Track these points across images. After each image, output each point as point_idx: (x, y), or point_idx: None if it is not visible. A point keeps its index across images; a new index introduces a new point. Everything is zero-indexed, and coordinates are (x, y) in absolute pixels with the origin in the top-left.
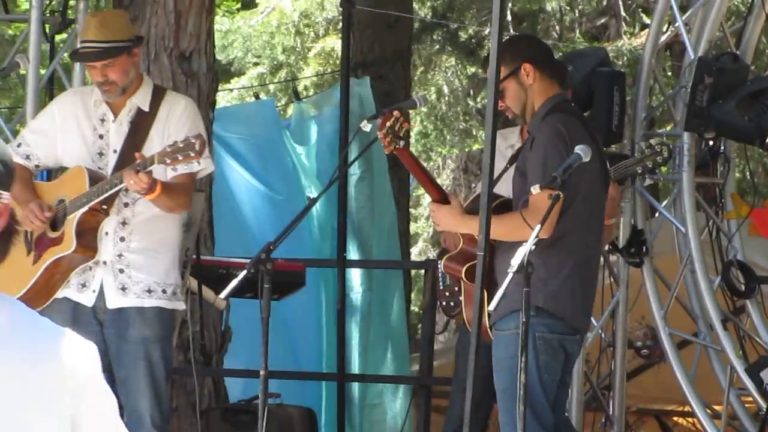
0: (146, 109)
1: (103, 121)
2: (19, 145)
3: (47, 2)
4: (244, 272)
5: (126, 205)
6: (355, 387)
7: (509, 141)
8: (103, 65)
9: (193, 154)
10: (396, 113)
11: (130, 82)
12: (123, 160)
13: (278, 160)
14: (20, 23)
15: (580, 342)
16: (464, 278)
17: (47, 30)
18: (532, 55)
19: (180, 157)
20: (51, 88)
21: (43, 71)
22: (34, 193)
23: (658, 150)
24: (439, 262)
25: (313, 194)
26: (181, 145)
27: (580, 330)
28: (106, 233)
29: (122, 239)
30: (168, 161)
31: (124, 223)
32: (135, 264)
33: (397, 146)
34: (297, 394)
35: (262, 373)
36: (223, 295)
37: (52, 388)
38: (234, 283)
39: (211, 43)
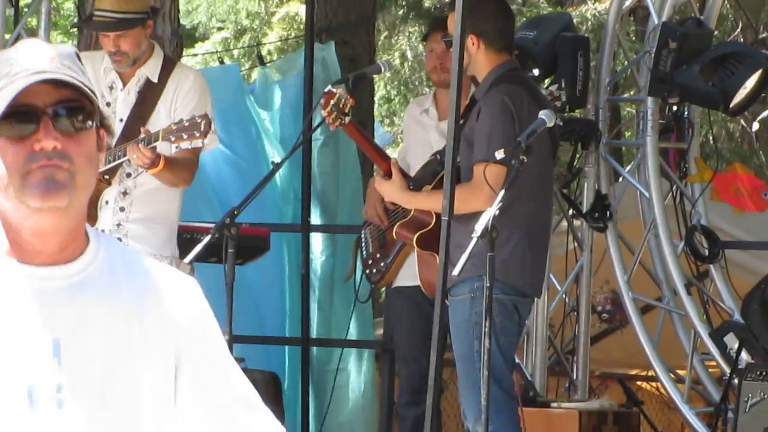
0: (155, 80)
1: (111, 88)
2: None
3: None
4: (209, 237)
5: (129, 175)
6: (319, 352)
7: (423, 106)
8: (116, 35)
9: (197, 134)
10: (339, 90)
11: (142, 53)
12: (128, 130)
13: (242, 125)
14: None
15: (530, 305)
16: (414, 244)
17: None
18: (481, 28)
19: (185, 136)
20: None
21: (7, 36)
22: None
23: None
24: (363, 231)
25: (277, 159)
26: (187, 125)
27: (530, 296)
28: (106, 202)
29: (122, 209)
30: (172, 139)
31: (125, 193)
32: (133, 233)
33: (343, 122)
34: (261, 358)
35: (225, 337)
36: (187, 259)
37: (156, 327)
38: (198, 247)
39: (176, 8)
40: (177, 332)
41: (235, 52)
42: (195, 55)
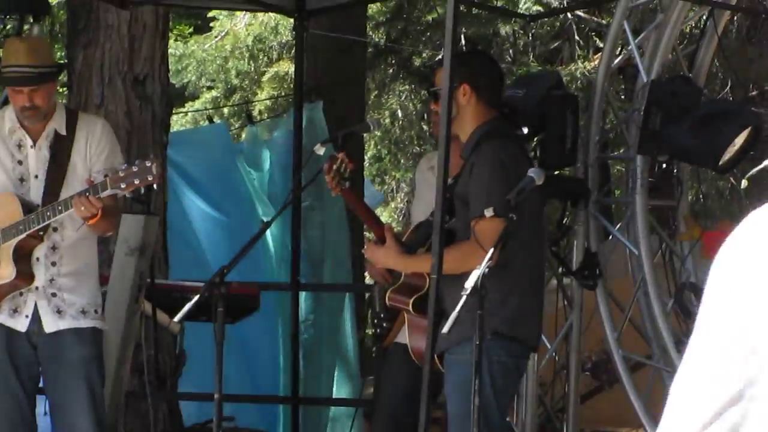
0: (63, 132)
1: (20, 146)
2: None
3: (0, 27)
4: (198, 296)
5: (55, 229)
6: (311, 410)
7: (431, 162)
8: (31, 90)
9: (150, 178)
10: (341, 155)
11: (51, 108)
12: (49, 184)
13: (231, 185)
14: None
15: (528, 360)
16: (411, 310)
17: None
18: (475, 79)
19: (136, 181)
20: None
21: None
22: None
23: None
24: (373, 289)
25: (267, 219)
26: (136, 169)
27: (534, 349)
28: (37, 259)
29: (53, 264)
30: (123, 186)
31: (54, 248)
32: (66, 287)
33: (343, 187)
34: (254, 415)
35: (216, 396)
36: (177, 318)
37: None
38: (188, 306)
39: (165, 67)
40: None
41: (225, 111)
42: (185, 113)
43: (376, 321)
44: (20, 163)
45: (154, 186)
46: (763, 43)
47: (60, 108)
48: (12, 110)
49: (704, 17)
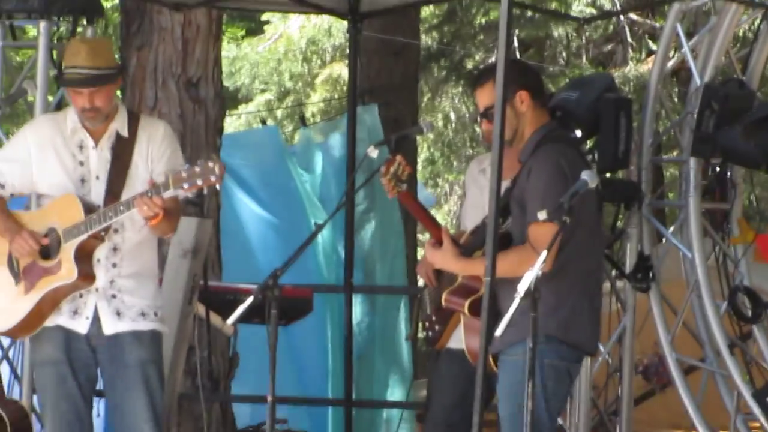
0: (125, 134)
1: (81, 147)
2: None
3: (54, 29)
4: (251, 298)
5: (116, 231)
6: (363, 412)
7: (482, 165)
8: (91, 92)
9: (213, 179)
10: (398, 158)
11: (113, 109)
12: (111, 185)
13: (283, 187)
14: (28, 50)
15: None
16: (467, 312)
17: (54, 56)
18: (528, 84)
19: (199, 181)
20: None
21: (51, 97)
22: (16, 221)
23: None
24: (423, 292)
25: (319, 221)
26: (198, 170)
27: (591, 353)
28: (98, 260)
29: (114, 265)
30: (185, 186)
31: (115, 249)
32: (127, 289)
33: (400, 190)
34: (303, 418)
35: (269, 399)
36: (230, 321)
37: None
38: (241, 309)
39: (218, 70)
40: None
41: (278, 114)
42: (238, 116)
43: (427, 324)
44: (81, 164)
45: (217, 186)
46: None
47: (121, 109)
48: (73, 111)
49: (758, 20)
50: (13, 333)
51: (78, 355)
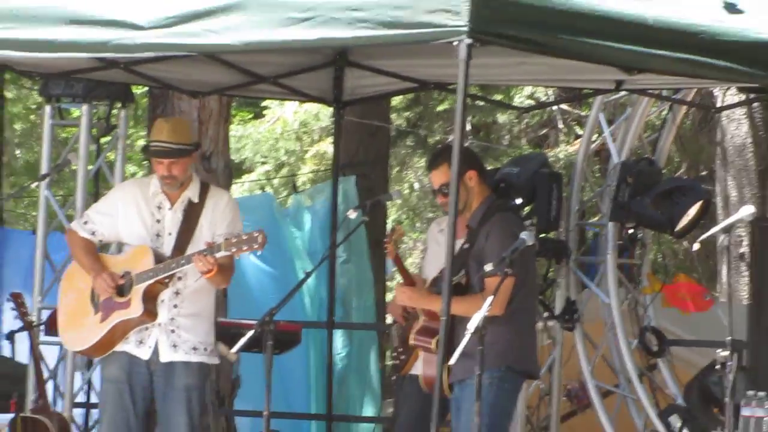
0: (196, 200)
1: (159, 208)
2: (85, 223)
3: (94, 111)
4: (252, 331)
5: (180, 278)
6: (340, 425)
7: (441, 226)
8: (170, 162)
9: (256, 245)
10: (398, 228)
11: (188, 178)
12: (179, 242)
13: (278, 243)
14: (72, 127)
15: None
16: (434, 348)
17: (94, 133)
18: (475, 165)
19: (244, 248)
20: (97, 181)
21: (90, 167)
22: (101, 263)
23: None
24: (392, 327)
25: (308, 270)
26: (245, 238)
27: (537, 378)
28: (162, 300)
29: (175, 306)
30: (233, 250)
31: (177, 293)
32: (184, 326)
33: (396, 251)
34: (290, 431)
35: (265, 413)
36: (234, 350)
37: None
38: (243, 340)
39: (227, 146)
40: None
41: (275, 182)
42: (242, 183)
43: (395, 354)
44: (158, 221)
45: (258, 252)
46: (711, 132)
47: (195, 179)
48: (156, 177)
49: (665, 111)
50: (88, 352)
51: (137, 378)
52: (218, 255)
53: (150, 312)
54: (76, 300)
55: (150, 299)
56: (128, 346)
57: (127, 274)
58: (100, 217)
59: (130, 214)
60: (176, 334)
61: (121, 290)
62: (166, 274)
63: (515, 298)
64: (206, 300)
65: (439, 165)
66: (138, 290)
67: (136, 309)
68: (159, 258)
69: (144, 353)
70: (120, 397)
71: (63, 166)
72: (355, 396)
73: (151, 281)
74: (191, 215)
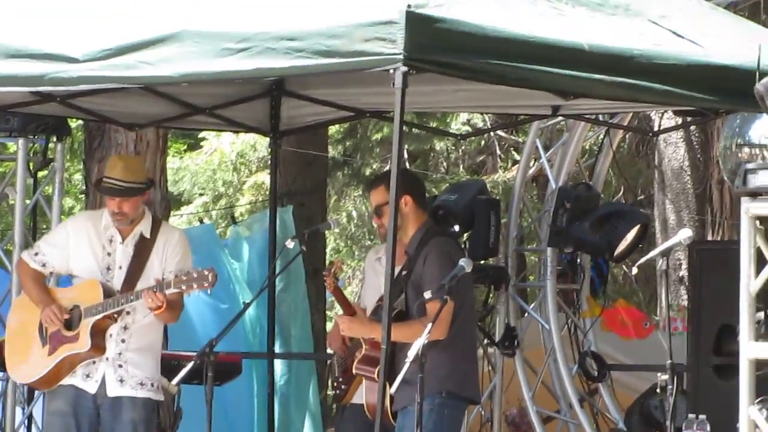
0: (148, 236)
1: (111, 241)
2: (36, 254)
3: (31, 145)
4: (192, 363)
5: (128, 313)
6: None
7: (378, 254)
8: (121, 200)
9: (206, 284)
10: (337, 263)
11: (139, 214)
12: (129, 276)
13: (218, 274)
14: (9, 162)
15: None
16: (376, 377)
17: (31, 167)
18: (412, 189)
19: (194, 285)
20: (34, 215)
21: (27, 201)
22: (50, 295)
23: None
24: (333, 358)
25: (247, 300)
26: (196, 276)
27: (478, 403)
28: (110, 335)
29: (123, 341)
30: (183, 287)
31: (125, 328)
32: (132, 361)
33: (335, 284)
34: None
35: None
36: (174, 381)
37: None
38: (184, 371)
39: (164, 178)
40: None
41: (213, 214)
42: (181, 215)
43: (335, 384)
44: (109, 254)
45: (209, 291)
46: (648, 156)
47: (148, 214)
48: (107, 211)
49: (601, 136)
50: (35, 385)
51: (84, 411)
52: (168, 292)
53: (98, 346)
54: (23, 331)
55: (98, 333)
56: (75, 379)
57: (76, 308)
58: (50, 248)
59: (81, 246)
60: (123, 369)
61: (69, 324)
62: (115, 310)
63: (453, 324)
64: (154, 335)
65: (377, 186)
66: (86, 324)
67: (84, 343)
68: (108, 292)
69: (91, 387)
70: (66, 431)
71: (0, 200)
72: (296, 425)
73: (100, 316)
74: (142, 250)
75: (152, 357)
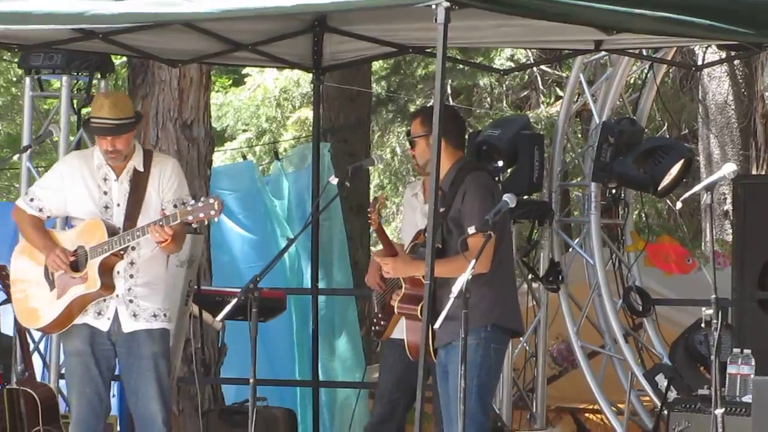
0: (141, 169)
1: (105, 180)
2: (32, 200)
3: (74, 82)
4: (236, 299)
5: (133, 248)
6: (326, 391)
7: (414, 190)
8: (113, 138)
9: (213, 213)
10: (381, 197)
11: (132, 149)
12: (129, 212)
13: (258, 211)
14: (53, 99)
15: None
16: (419, 315)
17: (74, 104)
18: (444, 130)
19: (201, 215)
20: None
21: (72, 137)
22: (52, 239)
23: None
24: (372, 295)
25: (287, 237)
26: (201, 205)
27: (522, 335)
28: (118, 272)
29: (131, 276)
30: (190, 218)
31: (132, 263)
32: (141, 295)
33: (379, 222)
34: (275, 396)
35: (251, 381)
36: (219, 318)
37: None
38: (228, 308)
39: (208, 114)
40: None
41: (257, 150)
42: (224, 151)
43: (375, 320)
44: (105, 193)
45: (215, 219)
46: (692, 90)
47: (138, 149)
48: (99, 150)
49: (645, 70)
50: (47, 329)
51: (100, 348)
52: (174, 224)
53: (107, 285)
54: (29, 277)
55: (106, 272)
56: (87, 318)
57: (81, 249)
58: (46, 193)
59: (77, 187)
60: (135, 304)
61: (76, 265)
62: (121, 247)
63: (494, 257)
64: (160, 268)
65: (413, 118)
66: (93, 264)
67: (94, 283)
68: (111, 230)
69: (103, 325)
70: (87, 370)
71: (44, 137)
72: (339, 360)
73: (107, 255)
74: (138, 184)
75: (161, 289)
